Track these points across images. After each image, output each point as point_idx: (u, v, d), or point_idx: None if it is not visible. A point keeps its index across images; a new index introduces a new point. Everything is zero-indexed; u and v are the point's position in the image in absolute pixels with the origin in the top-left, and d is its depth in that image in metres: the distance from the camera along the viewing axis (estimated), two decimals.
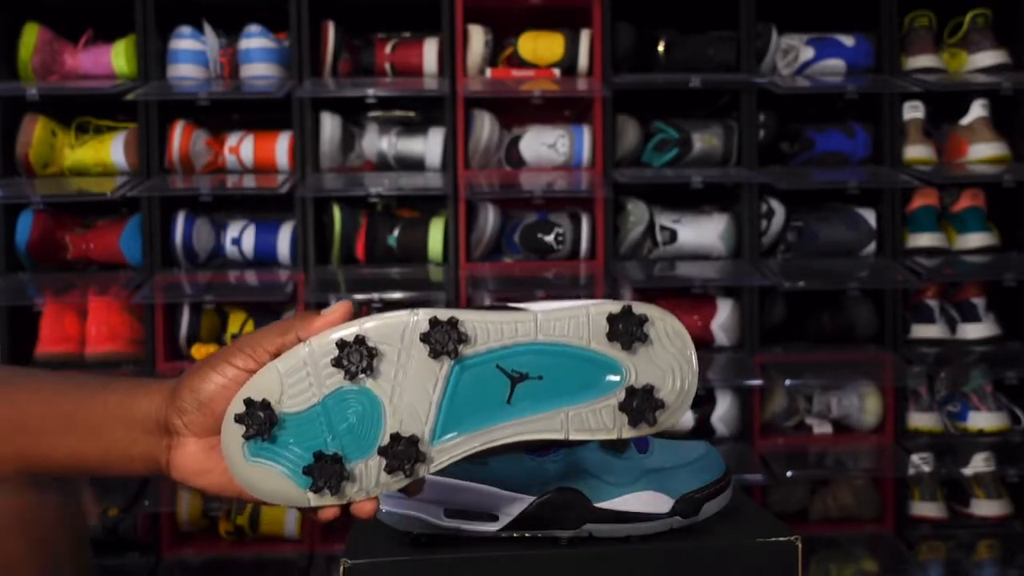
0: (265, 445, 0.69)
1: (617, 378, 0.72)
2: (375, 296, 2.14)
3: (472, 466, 0.80)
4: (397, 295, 2.13)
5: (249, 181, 2.19)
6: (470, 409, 0.71)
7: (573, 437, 0.71)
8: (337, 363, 0.69)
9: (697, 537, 0.82)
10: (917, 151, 2.26)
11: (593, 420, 0.71)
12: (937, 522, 2.26)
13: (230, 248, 2.24)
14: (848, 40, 2.25)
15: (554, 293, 2.20)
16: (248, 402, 0.69)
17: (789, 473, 2.12)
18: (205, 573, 2.18)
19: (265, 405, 0.69)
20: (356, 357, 0.69)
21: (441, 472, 0.80)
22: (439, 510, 0.80)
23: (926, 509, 2.26)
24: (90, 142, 2.20)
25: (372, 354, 0.69)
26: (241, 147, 2.21)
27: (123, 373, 2.13)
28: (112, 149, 2.18)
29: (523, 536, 0.81)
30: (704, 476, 0.83)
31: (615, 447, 0.82)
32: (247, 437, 0.69)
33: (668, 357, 0.72)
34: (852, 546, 2.26)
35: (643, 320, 0.71)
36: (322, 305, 2.15)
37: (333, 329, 0.70)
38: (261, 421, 0.69)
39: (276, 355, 0.70)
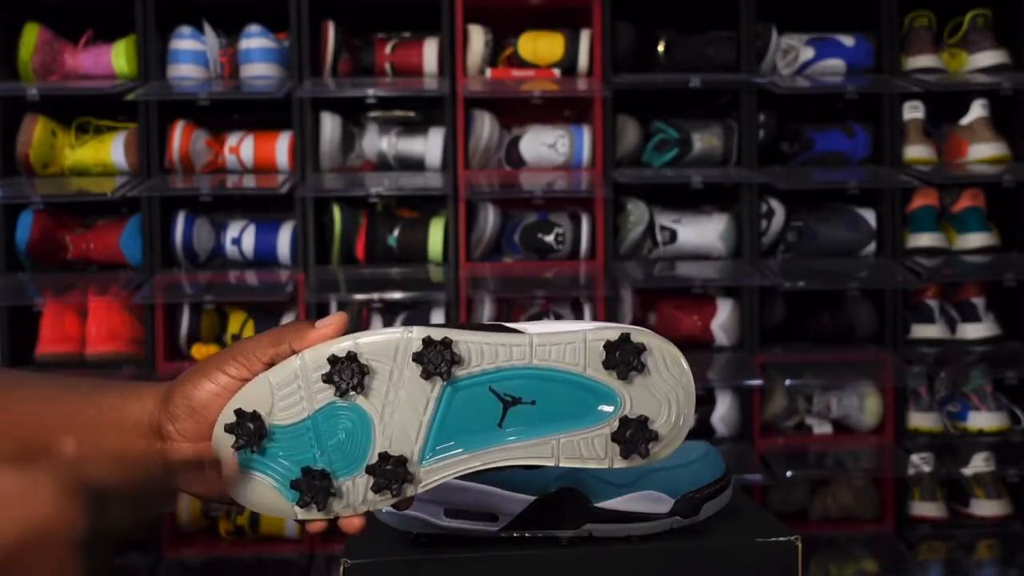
0: (255, 456, 0.69)
1: (611, 407, 0.70)
2: (375, 296, 2.14)
3: None
4: (397, 295, 2.14)
5: (249, 181, 2.19)
6: (461, 431, 0.70)
7: (564, 464, 0.70)
8: (328, 379, 0.69)
9: (697, 537, 0.81)
10: (917, 151, 2.26)
11: (585, 449, 0.70)
12: (937, 522, 2.26)
13: (230, 248, 2.24)
14: (848, 40, 2.25)
15: (554, 294, 2.21)
16: (239, 412, 0.68)
17: (789, 473, 2.12)
18: (205, 573, 2.18)
19: (255, 417, 0.68)
20: (347, 374, 0.68)
21: None
22: (439, 510, 0.80)
23: (926, 509, 2.26)
24: (90, 142, 2.20)
25: (364, 371, 0.69)
26: (241, 147, 2.21)
27: (124, 374, 2.13)
28: (112, 149, 2.18)
29: (523, 536, 0.81)
30: (704, 476, 0.83)
31: None
32: (237, 448, 0.68)
33: (665, 387, 0.70)
34: (852, 546, 2.26)
35: (640, 349, 0.70)
36: (322, 306, 2.15)
37: (326, 343, 0.69)
38: (251, 432, 0.68)
39: (269, 365, 0.69)
